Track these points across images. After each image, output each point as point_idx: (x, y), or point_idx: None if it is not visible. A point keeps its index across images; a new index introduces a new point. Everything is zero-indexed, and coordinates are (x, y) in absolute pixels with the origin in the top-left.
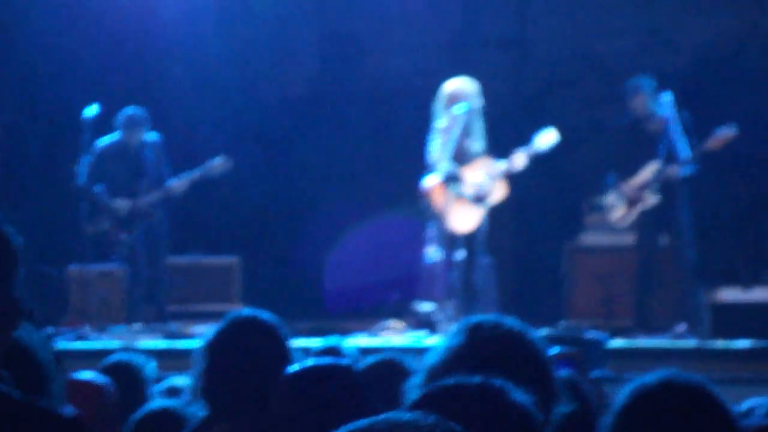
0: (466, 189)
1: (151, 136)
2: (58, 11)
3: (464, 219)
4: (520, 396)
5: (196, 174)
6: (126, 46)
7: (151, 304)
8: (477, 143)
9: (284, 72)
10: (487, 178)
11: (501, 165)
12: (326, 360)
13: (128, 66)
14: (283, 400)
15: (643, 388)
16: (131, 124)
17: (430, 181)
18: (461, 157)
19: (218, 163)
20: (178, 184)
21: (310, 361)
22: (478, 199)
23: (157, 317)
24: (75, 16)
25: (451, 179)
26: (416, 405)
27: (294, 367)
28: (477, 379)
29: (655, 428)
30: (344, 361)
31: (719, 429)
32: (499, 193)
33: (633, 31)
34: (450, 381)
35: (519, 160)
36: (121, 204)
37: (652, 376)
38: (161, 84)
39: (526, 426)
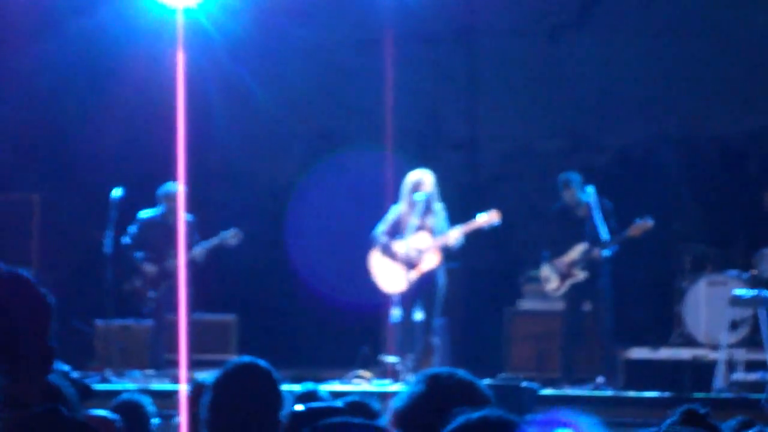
0: (399, 257)
1: (188, 217)
2: (83, 108)
3: (393, 282)
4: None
5: (213, 243)
6: (144, 133)
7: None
8: (417, 220)
9: (278, 160)
10: (419, 249)
11: (437, 239)
12: (326, 403)
13: (146, 151)
14: None
15: (467, 419)
16: (171, 198)
17: (373, 252)
18: (407, 231)
19: (232, 234)
20: (199, 251)
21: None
22: (409, 265)
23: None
24: (101, 108)
25: (385, 249)
26: None
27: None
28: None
29: None
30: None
31: None
32: (430, 261)
33: (564, 133)
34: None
35: (453, 235)
36: (150, 268)
37: (477, 413)
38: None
39: None
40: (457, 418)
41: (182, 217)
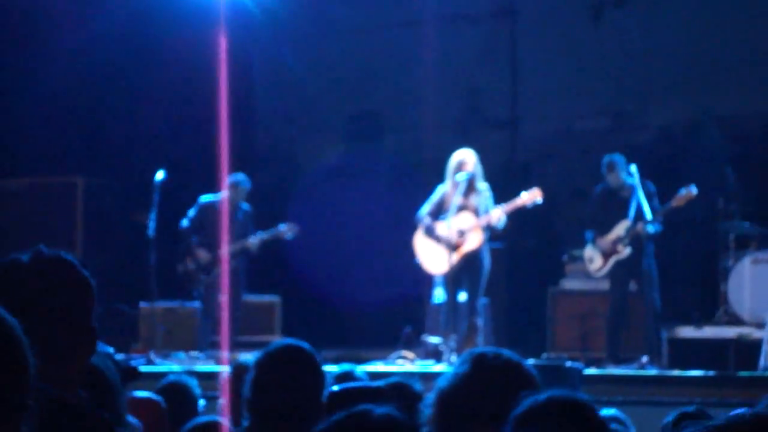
0: (441, 237)
1: (245, 206)
2: (126, 90)
3: (436, 262)
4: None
5: (269, 235)
6: (187, 116)
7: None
8: (460, 199)
9: (319, 143)
10: (462, 229)
11: (480, 219)
12: (365, 383)
13: (190, 134)
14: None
15: (534, 400)
16: (235, 186)
17: (417, 233)
18: (449, 211)
19: (288, 228)
20: (253, 241)
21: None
22: (451, 246)
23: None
24: (144, 91)
25: (428, 230)
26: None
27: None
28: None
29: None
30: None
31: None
32: (473, 241)
33: (606, 112)
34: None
35: (496, 214)
36: (204, 252)
37: (543, 394)
38: (211, 151)
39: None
40: (524, 401)
41: (224, 203)
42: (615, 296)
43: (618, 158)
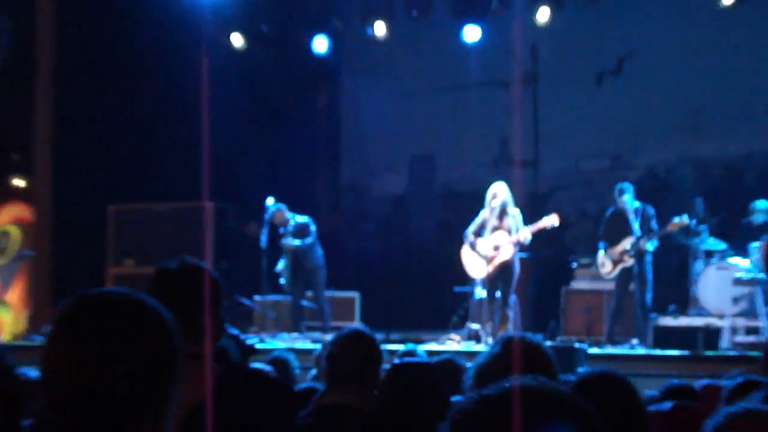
0: (480, 251)
1: (296, 220)
2: (247, 132)
3: (478, 269)
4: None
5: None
6: (289, 151)
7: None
8: (495, 221)
9: (386, 177)
10: (496, 244)
11: (511, 236)
12: (418, 358)
13: (290, 167)
14: (389, 382)
15: (586, 373)
16: (275, 215)
17: (463, 247)
18: (487, 231)
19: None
20: (286, 242)
21: (408, 358)
22: (486, 258)
23: (321, 330)
24: (259, 129)
25: (471, 245)
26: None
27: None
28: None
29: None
30: (427, 360)
31: (629, 407)
32: (505, 254)
33: (605, 154)
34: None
35: (523, 233)
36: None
37: (593, 369)
38: (307, 182)
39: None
40: (581, 372)
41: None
42: (618, 294)
43: (627, 186)
